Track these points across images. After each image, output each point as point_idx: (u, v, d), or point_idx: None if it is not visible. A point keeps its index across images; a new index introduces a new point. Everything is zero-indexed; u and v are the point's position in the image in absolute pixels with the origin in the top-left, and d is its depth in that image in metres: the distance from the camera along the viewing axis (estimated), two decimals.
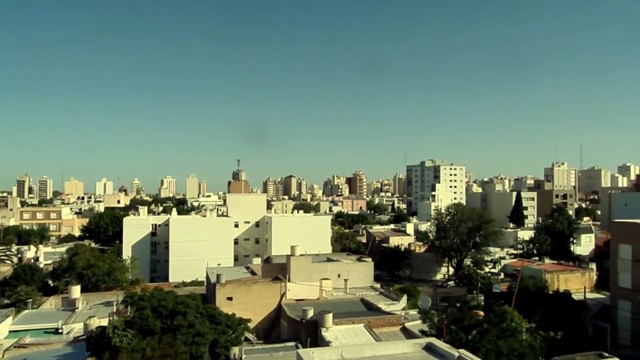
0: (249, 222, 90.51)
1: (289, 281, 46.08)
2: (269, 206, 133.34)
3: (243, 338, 33.39)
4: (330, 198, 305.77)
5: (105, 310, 41.68)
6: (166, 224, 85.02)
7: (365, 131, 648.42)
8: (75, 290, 47.29)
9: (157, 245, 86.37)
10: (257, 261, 63.68)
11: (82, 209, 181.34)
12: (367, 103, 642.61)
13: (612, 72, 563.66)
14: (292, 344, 32.81)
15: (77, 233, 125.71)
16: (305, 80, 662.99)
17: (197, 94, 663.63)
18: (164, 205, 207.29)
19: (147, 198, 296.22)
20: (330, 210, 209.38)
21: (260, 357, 30.24)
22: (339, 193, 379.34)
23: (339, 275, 51.14)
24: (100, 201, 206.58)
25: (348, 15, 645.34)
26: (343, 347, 17.19)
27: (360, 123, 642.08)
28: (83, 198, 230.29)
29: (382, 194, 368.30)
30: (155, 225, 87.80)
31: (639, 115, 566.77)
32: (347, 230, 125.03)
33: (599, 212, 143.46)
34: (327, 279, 47.98)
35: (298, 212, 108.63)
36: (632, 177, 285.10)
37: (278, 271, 50.15)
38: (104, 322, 32.06)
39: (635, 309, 50.80)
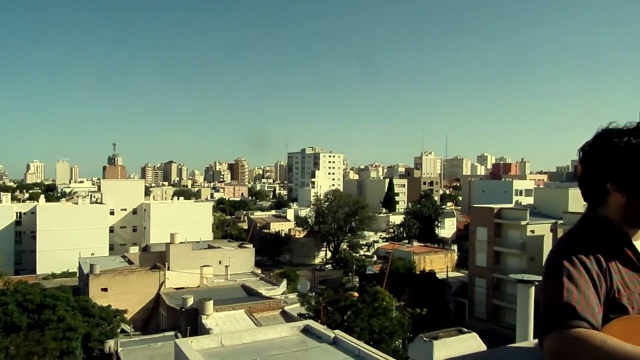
0: (125, 210, 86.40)
1: (168, 269, 45.21)
2: (148, 192, 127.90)
3: (119, 330, 32.30)
4: (212, 184, 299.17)
5: None
6: (33, 212, 78.61)
7: (247, 117, 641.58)
8: None
9: (22, 235, 79.74)
10: (134, 250, 61.34)
11: None
12: (249, 90, 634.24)
13: (469, 69, 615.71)
14: (171, 333, 32.31)
15: None
16: (185, 62, 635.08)
17: (66, 69, 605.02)
18: (31, 191, 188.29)
19: (11, 184, 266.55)
20: (212, 196, 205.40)
21: (137, 349, 29.39)
22: (221, 179, 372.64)
23: (220, 262, 51.08)
24: None
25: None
26: (223, 335, 17.47)
27: (242, 109, 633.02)
28: None
29: (264, 180, 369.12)
30: (20, 213, 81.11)
31: (495, 110, 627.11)
32: (228, 217, 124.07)
33: (460, 198, 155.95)
34: (208, 266, 47.76)
35: (178, 199, 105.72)
36: (489, 166, 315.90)
37: (157, 259, 48.94)
38: None
39: (490, 285, 57.20)
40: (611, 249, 1.89)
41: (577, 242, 1.91)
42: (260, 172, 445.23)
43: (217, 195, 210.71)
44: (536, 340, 2.28)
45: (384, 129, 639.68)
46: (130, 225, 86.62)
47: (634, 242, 1.96)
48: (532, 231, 55.17)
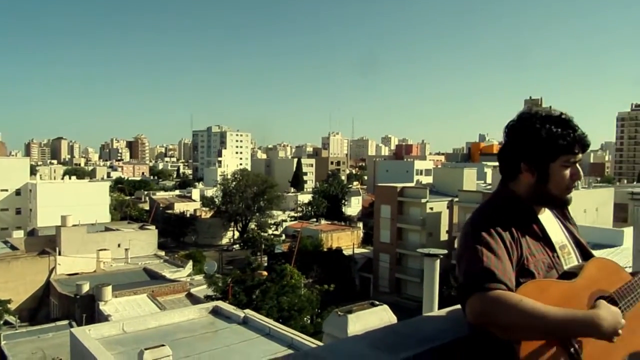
0: (7, 190, 78.76)
1: (59, 255, 42.03)
2: (34, 172, 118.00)
3: (2, 322, 29.55)
4: (108, 163, 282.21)
5: None
6: None
7: (148, 92, 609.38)
8: None
9: None
10: (18, 234, 56.03)
11: None
12: (148, 60, 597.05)
13: (374, 56, 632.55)
14: (64, 322, 30.05)
15: None
16: (78, 29, 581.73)
17: None
18: None
19: None
20: (109, 176, 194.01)
21: (24, 341, 26.95)
22: (119, 158, 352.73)
23: (119, 245, 48.37)
24: None
25: None
26: (124, 321, 16.32)
27: (143, 82, 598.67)
28: None
29: (167, 159, 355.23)
30: None
31: (398, 94, 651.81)
32: (128, 197, 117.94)
33: (366, 177, 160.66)
34: (105, 249, 45.00)
35: (70, 178, 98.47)
36: (393, 147, 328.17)
37: (46, 244, 45.41)
38: None
39: (393, 260, 59.60)
40: (521, 221, 2.12)
41: (492, 214, 2.11)
42: (163, 150, 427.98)
43: (114, 175, 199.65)
44: (445, 310, 2.51)
45: (293, 109, 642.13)
46: (13, 207, 79.14)
47: (539, 216, 2.22)
48: (431, 208, 58.00)
